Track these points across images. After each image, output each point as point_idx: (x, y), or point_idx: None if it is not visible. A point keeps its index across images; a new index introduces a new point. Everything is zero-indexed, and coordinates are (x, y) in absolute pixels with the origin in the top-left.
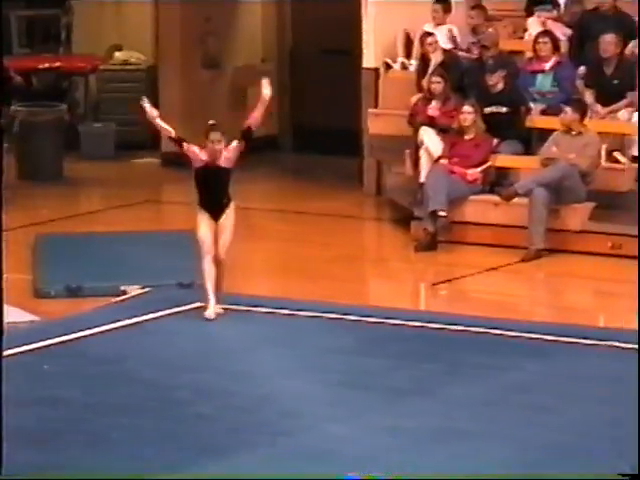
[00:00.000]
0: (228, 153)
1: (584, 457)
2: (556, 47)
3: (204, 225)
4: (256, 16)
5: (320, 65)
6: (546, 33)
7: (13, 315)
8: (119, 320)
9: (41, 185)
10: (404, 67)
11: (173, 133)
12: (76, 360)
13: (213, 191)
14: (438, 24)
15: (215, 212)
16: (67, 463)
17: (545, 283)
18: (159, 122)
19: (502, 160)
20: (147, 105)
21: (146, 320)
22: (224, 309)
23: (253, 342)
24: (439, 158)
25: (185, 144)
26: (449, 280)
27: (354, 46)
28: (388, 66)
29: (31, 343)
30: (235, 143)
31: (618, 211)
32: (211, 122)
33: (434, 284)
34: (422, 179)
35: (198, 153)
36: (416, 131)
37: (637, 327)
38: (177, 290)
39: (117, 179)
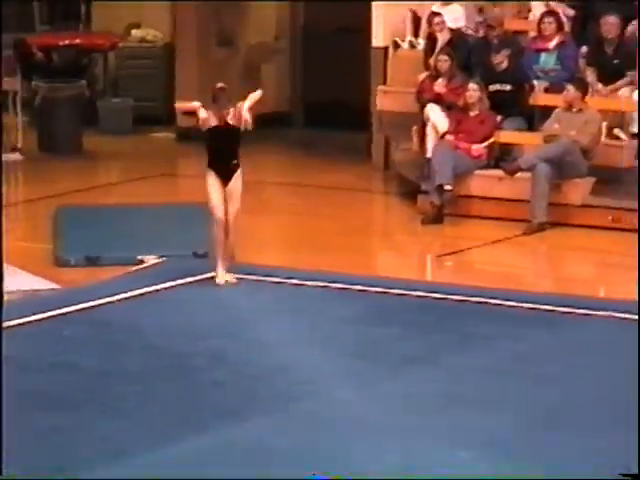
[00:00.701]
0: (236, 112)
1: (584, 424)
2: (560, 27)
3: (215, 192)
4: None
5: (331, 43)
6: (551, 13)
7: (34, 283)
8: (136, 289)
9: (61, 158)
10: (412, 46)
11: (199, 105)
12: (95, 327)
13: (224, 151)
14: (445, 4)
15: (224, 174)
16: (83, 426)
17: (547, 255)
18: (201, 111)
19: (506, 136)
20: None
21: (162, 289)
22: (238, 279)
23: (266, 311)
24: (445, 134)
25: (201, 109)
26: (455, 252)
27: (364, 25)
28: (397, 45)
29: (51, 310)
30: (240, 103)
31: (618, 186)
32: (219, 85)
33: (440, 256)
34: (429, 154)
35: (208, 118)
36: (423, 108)
37: (637, 298)
38: (192, 260)
39: (134, 153)
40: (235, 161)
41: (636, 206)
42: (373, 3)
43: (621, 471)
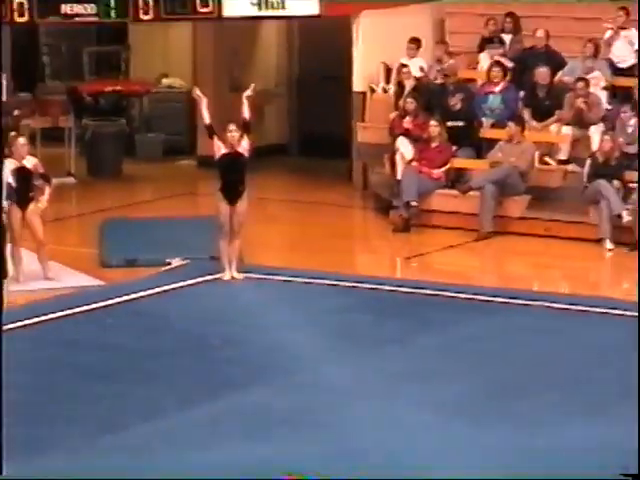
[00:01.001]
0: (245, 145)
1: (522, 390)
2: (505, 74)
3: (224, 211)
4: (271, 51)
5: (320, 88)
6: (498, 63)
7: (83, 280)
8: (165, 285)
9: (105, 181)
10: (385, 91)
11: (208, 122)
12: (131, 315)
13: (233, 176)
14: (411, 57)
15: (233, 197)
16: (122, 394)
17: (493, 257)
18: (204, 108)
19: (460, 162)
20: (198, 93)
21: (186, 285)
22: (245, 276)
23: (268, 302)
24: (411, 161)
25: (215, 136)
26: (419, 255)
27: (347, 74)
28: (372, 90)
29: (97, 302)
30: (246, 139)
31: (549, 202)
32: (231, 126)
33: (407, 258)
34: (398, 177)
35: (221, 145)
36: (394, 140)
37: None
38: (209, 262)
39: (164, 176)
40: (242, 187)
41: (564, 218)
42: (354, 57)
43: (555, 424)
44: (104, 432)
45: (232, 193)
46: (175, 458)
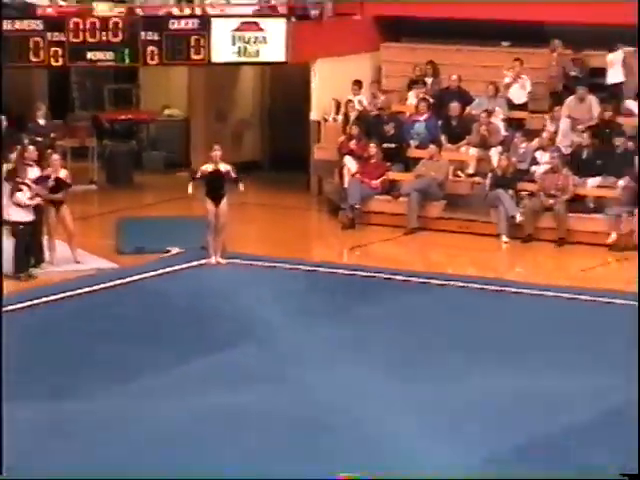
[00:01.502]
0: (226, 167)
1: (442, 351)
2: (429, 107)
3: (210, 210)
4: (248, 88)
5: (286, 117)
6: (423, 99)
7: (103, 264)
8: (166, 267)
9: (120, 188)
10: (335, 120)
11: (199, 175)
12: (140, 292)
13: (216, 186)
14: (355, 95)
15: (216, 200)
16: (131, 353)
17: (417, 248)
18: (195, 183)
19: (392, 175)
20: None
21: (181, 268)
22: (227, 262)
23: (245, 282)
24: (355, 174)
25: (201, 169)
26: (361, 246)
27: (306, 107)
28: (325, 119)
29: (113, 280)
30: (229, 167)
31: (460, 206)
32: (215, 147)
33: (352, 248)
34: (345, 186)
35: (206, 168)
36: (341, 158)
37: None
38: (200, 251)
39: (165, 185)
40: (223, 192)
41: (471, 218)
42: (312, 93)
43: (469, 375)
44: (116, 382)
45: (216, 197)
46: (175, 402)
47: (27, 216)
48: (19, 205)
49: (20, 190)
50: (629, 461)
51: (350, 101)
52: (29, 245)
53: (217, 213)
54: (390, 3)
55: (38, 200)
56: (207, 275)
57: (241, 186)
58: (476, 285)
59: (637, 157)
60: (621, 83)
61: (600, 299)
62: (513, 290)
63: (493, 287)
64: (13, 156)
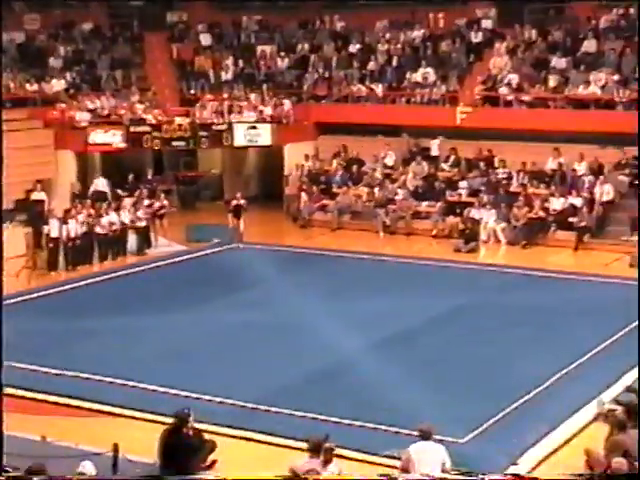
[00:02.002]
0: (242, 201)
1: (346, 288)
2: (343, 168)
3: (232, 222)
4: (252, 158)
5: (270, 173)
6: (340, 164)
7: (180, 247)
8: (212, 249)
9: (188, 210)
10: (296, 174)
11: (231, 207)
12: (198, 262)
13: (237, 210)
14: (305, 161)
15: (236, 216)
16: (190, 290)
17: (338, 238)
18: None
19: (325, 202)
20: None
21: (220, 250)
22: (243, 247)
23: (251, 256)
24: (305, 201)
25: (231, 203)
26: (310, 238)
27: (281, 167)
28: (291, 174)
29: (181, 256)
30: (242, 201)
31: (359, 217)
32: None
33: (306, 239)
34: (301, 207)
35: (232, 202)
36: (299, 193)
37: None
38: (228, 241)
39: (210, 208)
40: (240, 213)
41: (364, 223)
42: (284, 161)
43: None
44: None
45: (235, 215)
46: (214, 316)
47: (142, 223)
48: (137, 218)
49: (138, 210)
50: None
51: (303, 165)
52: (144, 237)
53: (237, 224)
54: (323, 114)
55: (148, 216)
56: (232, 253)
57: (244, 210)
58: (364, 256)
59: (447, 191)
60: (439, 155)
61: (427, 262)
62: (383, 259)
63: (373, 257)
64: (136, 194)
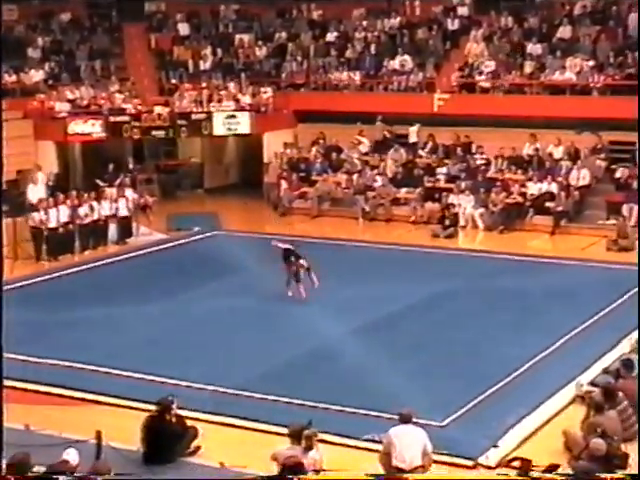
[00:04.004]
0: None
1: (331, 281)
2: (322, 155)
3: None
4: (232, 147)
5: (251, 161)
6: (319, 151)
7: (157, 235)
8: (192, 237)
9: (168, 200)
10: (275, 162)
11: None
12: (179, 249)
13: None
14: (285, 149)
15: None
16: (172, 278)
17: (318, 225)
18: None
19: (305, 189)
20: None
21: (200, 238)
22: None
23: (232, 243)
24: (285, 189)
25: None
26: (289, 225)
27: (261, 156)
28: (270, 162)
29: (161, 244)
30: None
31: (338, 204)
32: None
33: (285, 225)
34: (281, 195)
35: None
36: (279, 181)
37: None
38: (209, 228)
39: (191, 197)
40: None
41: (344, 210)
42: (264, 149)
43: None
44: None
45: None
46: (199, 304)
47: (124, 212)
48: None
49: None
50: None
51: (282, 153)
52: (125, 227)
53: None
54: (301, 102)
55: (131, 207)
56: (213, 241)
57: None
58: (344, 243)
59: (426, 177)
60: (417, 142)
61: (406, 248)
62: (363, 245)
63: (353, 244)
64: (116, 183)
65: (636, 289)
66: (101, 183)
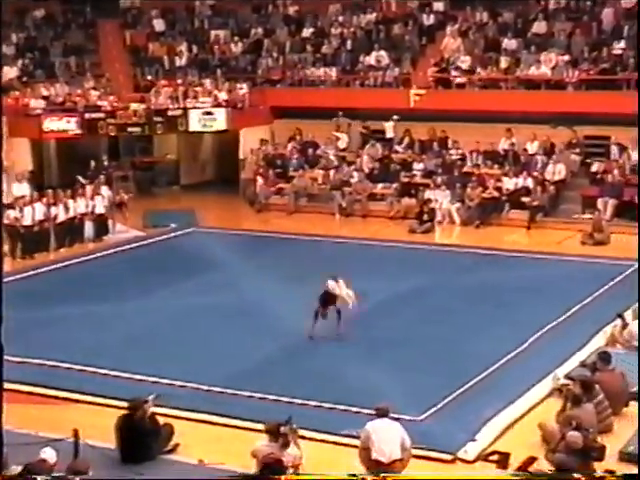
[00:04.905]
0: None
1: (304, 277)
2: (298, 151)
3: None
4: (208, 144)
5: (227, 157)
6: (295, 147)
7: (135, 233)
8: (169, 234)
9: (144, 196)
10: (251, 158)
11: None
12: (155, 246)
13: None
14: (261, 146)
15: None
16: (148, 275)
17: (295, 220)
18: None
19: (281, 185)
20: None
21: (176, 235)
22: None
23: (208, 239)
24: (262, 185)
25: None
26: (265, 221)
27: (236, 152)
28: (246, 158)
29: (138, 242)
30: None
31: (315, 200)
32: None
33: (262, 222)
34: (257, 191)
35: None
36: (255, 177)
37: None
38: (185, 225)
39: (167, 193)
40: None
41: (320, 205)
42: (240, 145)
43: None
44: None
45: None
46: (177, 300)
47: (100, 210)
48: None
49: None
50: None
51: (259, 149)
52: (101, 224)
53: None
54: (277, 98)
55: (107, 205)
56: (190, 238)
57: None
58: (322, 239)
59: (402, 173)
60: (393, 137)
61: (383, 244)
62: (340, 241)
63: (330, 240)
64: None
65: (611, 283)
66: (82, 180)
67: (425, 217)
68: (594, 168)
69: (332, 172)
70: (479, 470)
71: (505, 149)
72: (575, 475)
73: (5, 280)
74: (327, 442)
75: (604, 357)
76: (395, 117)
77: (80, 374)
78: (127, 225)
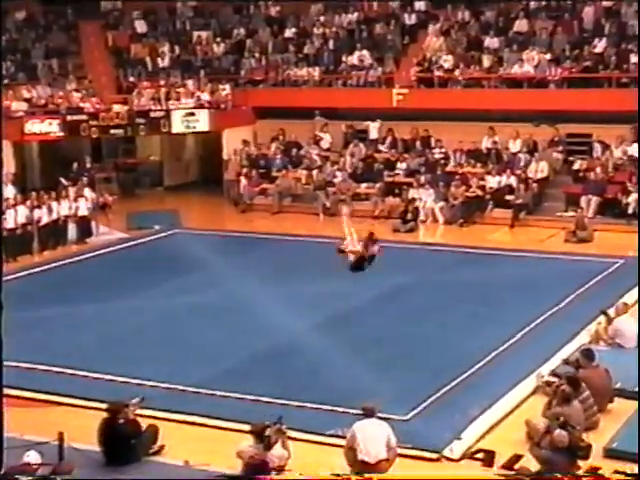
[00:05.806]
0: None
1: (289, 276)
2: (281, 152)
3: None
4: (191, 144)
5: (210, 158)
6: (278, 147)
7: (119, 235)
8: (152, 235)
9: (127, 198)
10: (234, 159)
11: None
12: (139, 248)
13: None
14: (244, 146)
15: None
16: (133, 275)
17: (280, 220)
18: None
19: (265, 185)
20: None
21: (160, 237)
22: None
23: (191, 240)
24: (245, 185)
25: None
26: (249, 221)
27: (220, 152)
28: (230, 158)
29: (122, 243)
30: None
31: (299, 199)
32: None
33: (246, 222)
34: (242, 191)
35: None
36: (239, 177)
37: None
38: (169, 227)
39: (149, 195)
40: None
41: (304, 205)
42: (223, 146)
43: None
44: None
45: None
46: (162, 300)
47: (83, 212)
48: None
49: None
50: None
51: (242, 149)
52: (85, 226)
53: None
54: (260, 98)
55: (90, 207)
56: (174, 239)
57: None
58: (306, 239)
59: (386, 172)
60: (377, 138)
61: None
62: (324, 241)
63: (314, 240)
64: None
65: (595, 280)
66: (65, 182)
67: (409, 216)
68: (577, 166)
69: (315, 172)
70: (464, 468)
71: (488, 147)
72: (558, 475)
73: None
74: (313, 442)
75: (587, 354)
76: (378, 120)
77: (64, 376)
78: (110, 227)
